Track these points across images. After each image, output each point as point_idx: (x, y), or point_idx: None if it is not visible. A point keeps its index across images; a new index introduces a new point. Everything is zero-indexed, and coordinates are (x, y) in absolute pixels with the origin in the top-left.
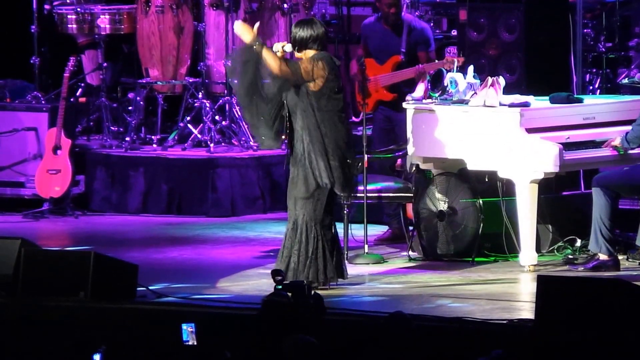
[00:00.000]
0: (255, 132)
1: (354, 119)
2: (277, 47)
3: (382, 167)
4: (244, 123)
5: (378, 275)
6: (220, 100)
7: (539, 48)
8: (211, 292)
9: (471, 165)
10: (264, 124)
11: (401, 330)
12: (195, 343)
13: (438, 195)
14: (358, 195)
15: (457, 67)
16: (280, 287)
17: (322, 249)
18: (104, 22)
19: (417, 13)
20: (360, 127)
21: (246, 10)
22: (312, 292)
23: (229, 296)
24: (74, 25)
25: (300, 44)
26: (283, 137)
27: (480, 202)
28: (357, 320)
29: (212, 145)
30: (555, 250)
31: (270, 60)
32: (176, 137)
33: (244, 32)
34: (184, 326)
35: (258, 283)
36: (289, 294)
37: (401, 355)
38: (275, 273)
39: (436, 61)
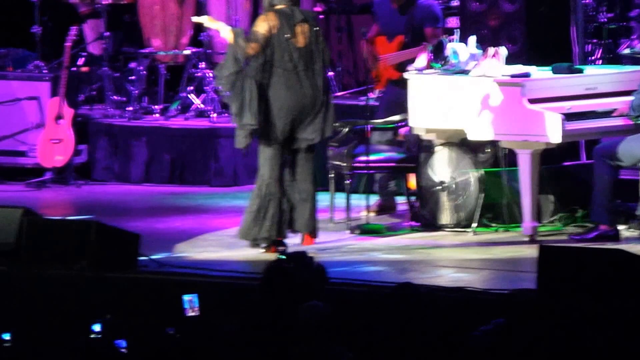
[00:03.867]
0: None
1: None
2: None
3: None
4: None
5: (379, 245)
6: None
7: (540, 18)
8: (213, 261)
9: (473, 136)
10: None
11: (411, 300)
12: (197, 314)
13: (440, 165)
14: (360, 165)
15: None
16: (283, 256)
17: None
18: None
19: None
20: (363, 97)
21: None
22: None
23: (231, 266)
24: None
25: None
26: None
27: (482, 172)
28: (360, 291)
29: (214, 115)
30: (556, 221)
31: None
32: (178, 107)
33: (212, 25)
34: (186, 297)
35: (258, 252)
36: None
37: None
38: (277, 243)
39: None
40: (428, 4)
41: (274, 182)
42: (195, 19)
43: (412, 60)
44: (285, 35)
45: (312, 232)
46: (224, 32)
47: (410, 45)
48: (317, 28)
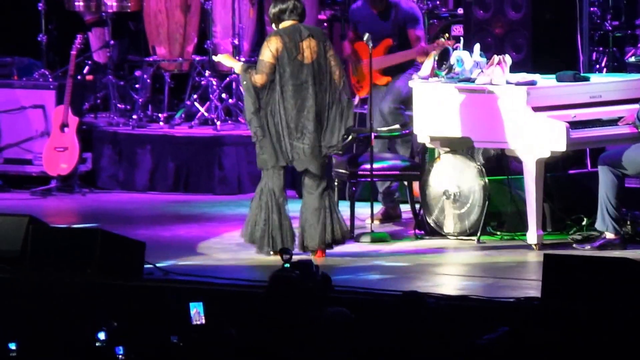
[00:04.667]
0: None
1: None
2: None
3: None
4: None
5: (384, 253)
6: (227, 79)
7: (546, 26)
8: (218, 269)
9: (478, 144)
10: None
11: (416, 308)
12: (203, 322)
13: (444, 173)
14: (364, 173)
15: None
16: (288, 265)
17: None
18: (110, 0)
19: None
20: (365, 106)
21: None
22: (320, 270)
23: (236, 274)
24: (81, 3)
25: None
26: None
27: (487, 180)
28: (365, 299)
29: (218, 123)
30: (561, 229)
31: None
32: (183, 115)
33: (228, 62)
34: (192, 305)
35: (266, 259)
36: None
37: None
38: (282, 251)
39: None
40: (409, 6)
41: (276, 192)
42: (216, 58)
43: (401, 65)
44: (293, 54)
45: (323, 247)
46: (237, 69)
47: (397, 48)
48: (327, 43)
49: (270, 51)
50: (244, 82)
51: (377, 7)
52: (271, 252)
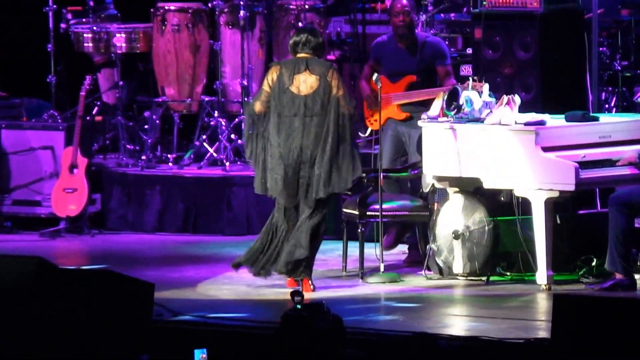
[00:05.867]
0: None
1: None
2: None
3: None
4: None
5: (394, 293)
6: (236, 119)
7: (555, 66)
8: (227, 309)
9: (487, 184)
10: None
11: (426, 350)
12: None
13: (454, 214)
14: (374, 213)
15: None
16: (299, 306)
17: None
18: (120, 41)
19: (432, 31)
20: (376, 146)
21: (261, 29)
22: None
23: (245, 315)
24: (90, 44)
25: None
26: None
27: (496, 220)
28: (375, 340)
29: (227, 163)
30: (571, 270)
31: None
32: (192, 156)
33: None
34: (197, 352)
35: (274, 301)
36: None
37: None
38: (294, 294)
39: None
40: (436, 40)
41: (279, 224)
42: None
43: (423, 102)
44: (284, 85)
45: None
46: None
47: (421, 85)
48: (331, 79)
49: (267, 81)
50: (247, 108)
51: (404, 43)
52: (251, 271)
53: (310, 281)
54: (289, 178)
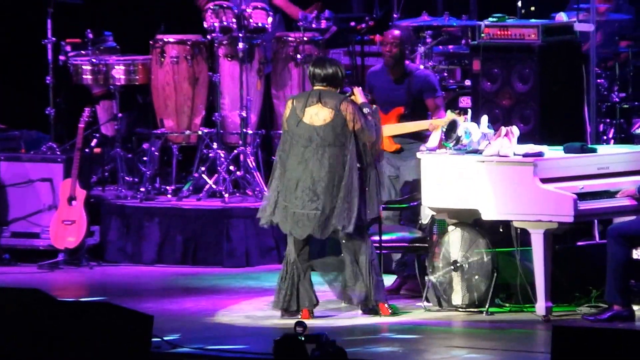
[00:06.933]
0: None
1: None
2: None
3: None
4: (257, 173)
5: (393, 325)
6: (235, 151)
7: (553, 98)
8: (226, 342)
9: (486, 216)
10: None
11: None
12: None
13: (452, 245)
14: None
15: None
16: (302, 338)
17: None
18: (118, 73)
19: (430, 63)
20: None
21: (260, 61)
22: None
23: (245, 346)
24: (89, 76)
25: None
26: None
27: (495, 252)
28: None
29: (226, 195)
30: (570, 301)
31: None
32: (191, 188)
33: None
34: None
35: (274, 332)
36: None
37: None
38: (297, 324)
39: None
40: (425, 74)
41: (290, 257)
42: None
43: (413, 134)
44: (297, 117)
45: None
46: None
47: (409, 117)
48: (345, 113)
49: (283, 117)
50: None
51: (394, 74)
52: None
53: (386, 304)
54: (301, 210)
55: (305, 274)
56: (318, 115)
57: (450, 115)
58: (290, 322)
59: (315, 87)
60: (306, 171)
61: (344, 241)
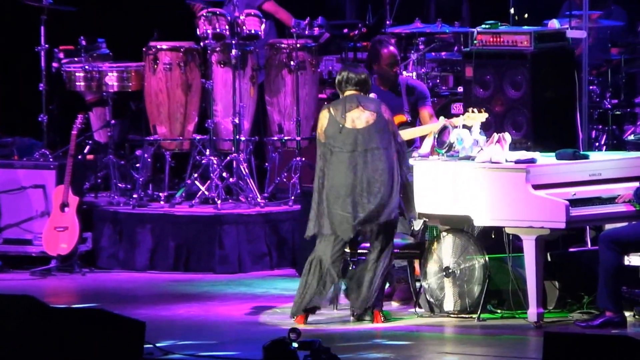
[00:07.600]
0: None
1: None
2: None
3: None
4: (250, 180)
5: (385, 331)
6: (228, 158)
7: (545, 105)
8: (218, 349)
9: (478, 222)
10: None
11: None
12: None
13: (444, 251)
14: (365, 252)
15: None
16: (296, 344)
17: None
18: (111, 80)
19: (423, 70)
20: None
21: (253, 68)
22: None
23: (237, 353)
24: (82, 83)
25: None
26: None
27: (487, 258)
28: None
29: (219, 202)
30: (562, 307)
31: None
32: (183, 194)
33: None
34: None
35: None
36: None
37: None
38: (291, 331)
39: (460, 116)
40: (418, 83)
41: (323, 260)
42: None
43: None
44: (339, 124)
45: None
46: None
47: (411, 125)
48: (388, 116)
49: (318, 125)
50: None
51: (385, 85)
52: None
53: (380, 313)
54: (352, 212)
55: (337, 277)
56: (360, 118)
57: (442, 122)
58: (283, 328)
59: (347, 93)
60: (357, 175)
61: (375, 241)
